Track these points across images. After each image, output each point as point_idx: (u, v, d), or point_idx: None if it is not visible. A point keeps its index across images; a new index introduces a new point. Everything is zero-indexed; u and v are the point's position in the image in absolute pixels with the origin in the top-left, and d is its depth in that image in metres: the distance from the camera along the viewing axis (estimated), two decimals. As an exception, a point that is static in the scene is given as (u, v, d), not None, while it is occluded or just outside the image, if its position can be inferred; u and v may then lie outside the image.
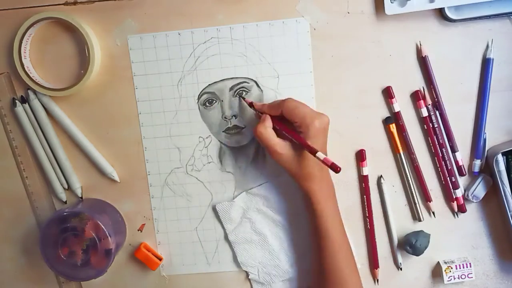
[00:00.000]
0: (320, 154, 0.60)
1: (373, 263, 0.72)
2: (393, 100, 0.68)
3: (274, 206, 0.73)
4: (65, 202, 0.74)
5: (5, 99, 0.72)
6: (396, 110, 0.69)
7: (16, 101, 0.71)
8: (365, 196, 0.71)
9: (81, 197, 0.74)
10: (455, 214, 0.71)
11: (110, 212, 0.73)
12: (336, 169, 0.58)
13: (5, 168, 0.74)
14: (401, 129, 0.69)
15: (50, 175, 0.73)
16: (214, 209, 0.73)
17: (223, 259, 0.75)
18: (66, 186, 0.74)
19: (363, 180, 0.71)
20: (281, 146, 0.63)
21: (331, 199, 0.67)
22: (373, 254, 0.72)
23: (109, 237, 0.68)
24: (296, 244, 0.73)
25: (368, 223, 0.71)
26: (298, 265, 0.73)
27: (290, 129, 0.64)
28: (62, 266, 0.69)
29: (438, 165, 0.70)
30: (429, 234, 0.70)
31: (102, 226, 0.68)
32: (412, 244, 0.69)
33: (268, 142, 0.63)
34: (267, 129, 0.64)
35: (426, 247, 0.70)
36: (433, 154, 0.69)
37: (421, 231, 0.70)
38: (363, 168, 0.70)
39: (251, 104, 0.68)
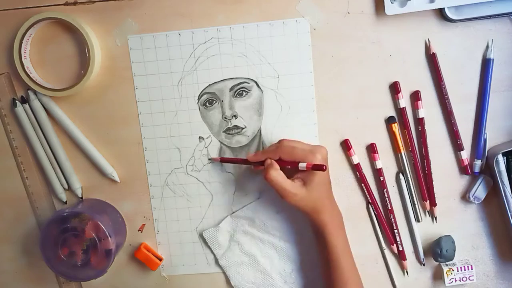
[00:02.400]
0: (301, 165, 0.62)
1: (401, 256, 0.72)
2: (399, 95, 0.68)
3: (260, 225, 0.73)
4: (65, 203, 0.74)
5: (5, 100, 0.72)
6: (402, 106, 0.68)
7: (16, 101, 0.71)
8: (384, 190, 0.71)
9: (81, 198, 0.74)
10: (435, 220, 0.71)
11: (110, 212, 0.73)
12: (321, 167, 0.61)
13: (5, 168, 0.74)
14: (405, 126, 0.69)
15: (50, 176, 0.73)
16: (201, 236, 0.73)
17: (223, 260, 0.75)
18: (66, 187, 0.74)
19: (377, 173, 0.71)
20: (294, 187, 0.63)
21: (341, 230, 0.68)
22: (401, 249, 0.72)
23: (109, 238, 0.68)
24: (288, 259, 0.73)
25: (391, 216, 0.71)
26: (291, 280, 0.73)
27: (290, 162, 0.64)
28: (62, 266, 0.69)
29: (426, 167, 0.70)
30: (449, 236, 0.70)
31: (102, 227, 0.67)
32: (440, 255, 0.69)
33: (282, 185, 0.63)
34: (278, 171, 0.63)
35: (454, 250, 0.70)
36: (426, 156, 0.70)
37: (440, 238, 0.70)
38: (376, 162, 0.70)
39: (246, 161, 0.68)
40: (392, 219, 0.71)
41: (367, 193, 0.71)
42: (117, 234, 0.70)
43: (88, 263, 0.69)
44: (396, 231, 0.71)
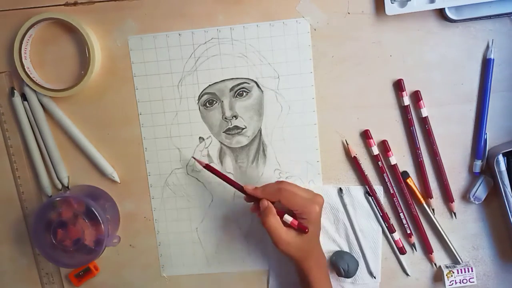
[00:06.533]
0: (286, 217, 0.63)
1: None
2: (403, 93, 0.68)
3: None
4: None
5: (2, 97, 0.72)
6: (406, 104, 0.68)
7: (14, 91, 0.71)
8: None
9: (67, 186, 0.74)
10: (453, 215, 0.71)
11: (99, 195, 0.73)
12: (304, 229, 0.63)
13: (4, 169, 0.74)
14: (410, 124, 0.69)
15: (41, 175, 0.73)
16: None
17: (223, 260, 0.75)
18: (59, 186, 0.74)
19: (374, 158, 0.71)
20: (289, 235, 0.63)
21: (325, 275, 0.68)
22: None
23: (101, 221, 0.68)
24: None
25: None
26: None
27: (280, 209, 0.65)
28: (56, 253, 0.70)
29: (438, 164, 0.70)
30: (347, 252, 0.72)
31: (94, 210, 0.68)
32: (344, 270, 0.70)
33: (278, 232, 0.62)
34: (276, 218, 0.63)
35: (357, 268, 0.71)
36: (434, 154, 0.70)
37: (346, 253, 0.72)
38: (372, 148, 0.70)
39: (241, 188, 0.67)
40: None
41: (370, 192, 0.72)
42: (111, 219, 0.71)
43: (82, 247, 0.69)
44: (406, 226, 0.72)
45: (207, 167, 0.69)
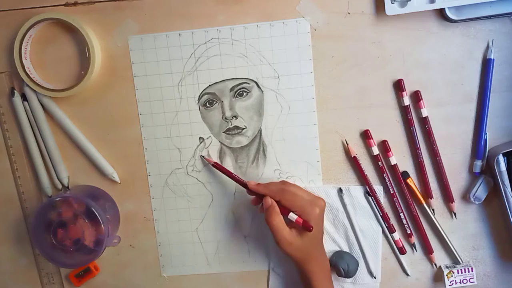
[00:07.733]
0: (291, 215, 0.63)
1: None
2: (404, 93, 0.68)
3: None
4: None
5: (2, 97, 0.72)
6: (406, 104, 0.68)
7: (15, 91, 0.71)
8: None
9: (67, 186, 0.74)
10: (453, 215, 0.71)
11: (100, 195, 0.73)
12: (308, 228, 0.63)
13: (4, 169, 0.74)
14: (410, 124, 0.69)
15: (42, 176, 0.73)
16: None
17: (223, 260, 0.75)
18: (59, 186, 0.74)
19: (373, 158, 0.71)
20: (291, 236, 0.63)
21: (328, 278, 0.68)
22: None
23: (101, 221, 0.68)
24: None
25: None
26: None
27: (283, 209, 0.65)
28: (56, 253, 0.69)
29: (438, 164, 0.70)
30: (348, 252, 0.72)
31: (94, 210, 0.68)
32: (344, 270, 0.70)
33: (281, 232, 0.63)
34: (280, 217, 0.64)
35: (357, 268, 0.71)
36: (434, 155, 0.70)
37: (346, 253, 0.71)
38: (372, 148, 0.70)
39: (244, 185, 0.68)
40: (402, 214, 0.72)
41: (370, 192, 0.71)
42: (110, 217, 0.71)
43: (82, 247, 0.69)
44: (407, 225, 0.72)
45: (216, 165, 0.70)
